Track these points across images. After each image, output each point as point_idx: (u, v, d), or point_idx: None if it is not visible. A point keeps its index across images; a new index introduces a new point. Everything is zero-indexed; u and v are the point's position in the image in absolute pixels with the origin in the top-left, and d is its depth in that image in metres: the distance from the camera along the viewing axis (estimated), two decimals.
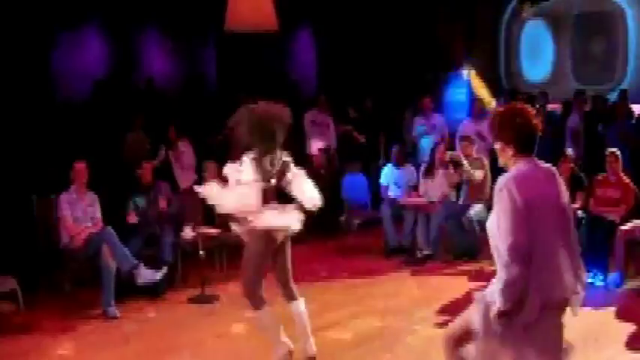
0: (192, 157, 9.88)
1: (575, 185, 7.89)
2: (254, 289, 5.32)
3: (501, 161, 3.76)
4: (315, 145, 10.84)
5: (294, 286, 5.53)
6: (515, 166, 3.67)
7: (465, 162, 8.73)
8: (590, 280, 7.51)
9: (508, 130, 3.66)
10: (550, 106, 11.51)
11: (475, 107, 10.76)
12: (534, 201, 3.52)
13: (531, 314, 3.53)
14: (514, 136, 3.65)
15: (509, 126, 3.66)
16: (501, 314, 3.54)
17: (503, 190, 3.55)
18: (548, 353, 3.59)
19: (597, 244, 7.53)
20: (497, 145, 3.74)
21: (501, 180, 3.60)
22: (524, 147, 3.65)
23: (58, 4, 11.56)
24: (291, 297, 5.53)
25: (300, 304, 5.52)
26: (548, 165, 3.77)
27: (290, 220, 5.37)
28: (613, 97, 11.48)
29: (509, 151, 3.69)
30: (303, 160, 10.92)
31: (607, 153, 8.01)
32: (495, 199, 3.60)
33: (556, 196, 3.65)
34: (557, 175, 3.74)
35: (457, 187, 8.91)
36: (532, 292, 3.52)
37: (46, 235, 7.88)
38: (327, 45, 15.34)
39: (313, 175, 5.74)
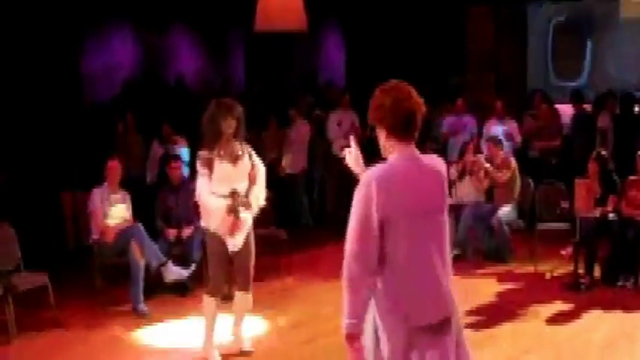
0: (186, 152, 9.77)
1: (607, 187, 7.81)
2: (218, 284, 5.72)
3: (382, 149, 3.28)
4: (341, 146, 10.85)
5: (249, 280, 5.73)
6: (389, 157, 3.21)
7: (487, 165, 8.72)
8: (621, 283, 7.46)
9: (379, 109, 3.21)
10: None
11: (498, 107, 10.68)
12: (397, 207, 3.07)
13: (394, 341, 3.08)
14: (385, 115, 3.19)
15: (380, 104, 3.20)
16: (347, 337, 3.09)
17: (362, 187, 3.09)
18: None
19: (628, 247, 7.45)
20: (379, 134, 3.26)
21: (367, 173, 3.14)
22: (398, 129, 3.18)
23: (86, 4, 11.66)
24: (241, 287, 5.76)
25: (249, 297, 5.75)
26: (431, 157, 3.32)
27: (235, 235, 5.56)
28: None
29: (382, 135, 3.24)
30: (327, 161, 10.98)
31: (638, 154, 7.92)
32: (357, 193, 3.12)
33: (430, 196, 3.19)
34: (442, 173, 3.27)
35: (486, 189, 8.85)
36: (392, 314, 3.10)
37: (76, 231, 7.95)
38: (356, 45, 15.33)
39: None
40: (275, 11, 9.14)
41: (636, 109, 10.66)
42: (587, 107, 11.00)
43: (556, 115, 10.90)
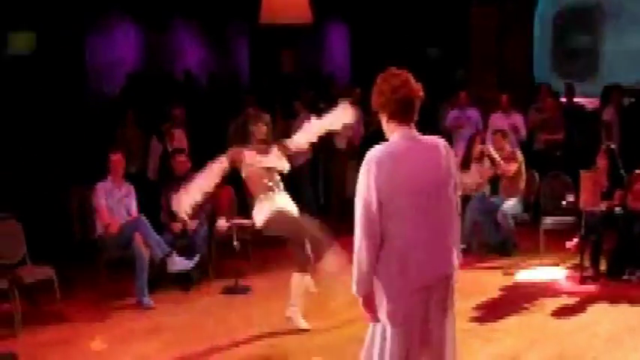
0: (185, 145, 9.72)
1: (615, 181, 7.78)
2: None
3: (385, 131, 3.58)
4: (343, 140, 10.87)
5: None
6: (389, 138, 3.51)
7: (496, 155, 8.69)
8: (626, 277, 7.45)
9: (379, 96, 3.49)
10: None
11: (504, 100, 10.65)
12: (397, 184, 3.36)
13: (391, 303, 3.42)
14: (385, 102, 3.47)
15: (380, 91, 3.49)
16: (362, 303, 3.51)
17: (364, 166, 3.40)
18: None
19: (634, 240, 7.44)
20: (381, 120, 3.55)
21: (369, 153, 3.43)
22: (397, 114, 3.47)
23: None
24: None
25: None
26: (431, 138, 3.56)
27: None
28: None
29: (384, 118, 3.53)
30: (331, 153, 10.98)
31: None
32: (360, 171, 3.44)
33: (430, 174, 3.44)
34: (442, 150, 3.50)
35: (491, 182, 8.84)
36: (387, 277, 3.43)
37: (82, 225, 7.96)
38: (361, 38, 15.31)
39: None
40: (280, 4, 9.13)
41: None
42: (582, 100, 11.07)
43: (561, 108, 10.89)
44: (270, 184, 6.02)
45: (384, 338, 3.50)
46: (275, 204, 5.95)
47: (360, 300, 3.53)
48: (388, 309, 3.44)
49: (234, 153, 6.04)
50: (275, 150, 6.15)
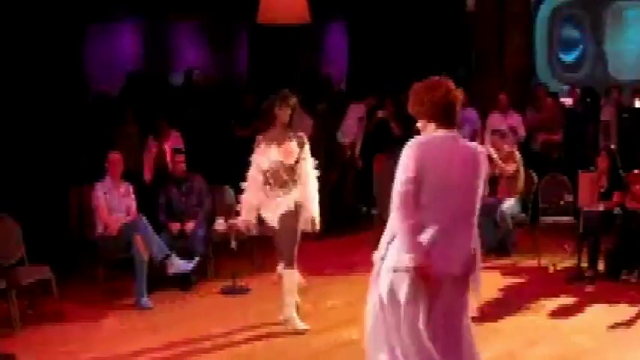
0: (181, 146, 9.68)
1: (614, 182, 7.77)
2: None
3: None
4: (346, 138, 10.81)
5: (290, 258, 6.04)
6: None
7: (495, 156, 8.70)
8: (624, 277, 7.45)
9: (425, 104, 3.67)
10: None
11: (502, 100, 10.64)
12: (430, 168, 3.55)
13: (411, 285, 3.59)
14: (432, 110, 3.66)
15: (420, 101, 3.68)
16: (419, 270, 3.54)
17: (407, 148, 3.61)
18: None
19: (632, 240, 7.44)
20: (419, 124, 3.75)
21: (412, 140, 3.65)
22: (438, 117, 3.65)
23: None
24: (285, 265, 6.07)
25: (292, 273, 6.04)
26: (473, 143, 3.85)
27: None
28: None
29: (423, 123, 3.72)
30: (330, 154, 10.92)
31: None
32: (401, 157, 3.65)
33: (460, 172, 3.60)
34: (479, 156, 3.70)
35: (490, 182, 8.84)
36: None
37: (80, 225, 7.95)
38: (360, 38, 15.29)
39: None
40: (278, 4, 9.11)
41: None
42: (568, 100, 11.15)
43: (559, 108, 10.90)
44: (270, 180, 5.99)
45: (390, 314, 3.67)
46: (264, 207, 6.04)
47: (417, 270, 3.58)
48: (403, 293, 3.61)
49: (258, 141, 6.03)
50: (294, 141, 5.98)
